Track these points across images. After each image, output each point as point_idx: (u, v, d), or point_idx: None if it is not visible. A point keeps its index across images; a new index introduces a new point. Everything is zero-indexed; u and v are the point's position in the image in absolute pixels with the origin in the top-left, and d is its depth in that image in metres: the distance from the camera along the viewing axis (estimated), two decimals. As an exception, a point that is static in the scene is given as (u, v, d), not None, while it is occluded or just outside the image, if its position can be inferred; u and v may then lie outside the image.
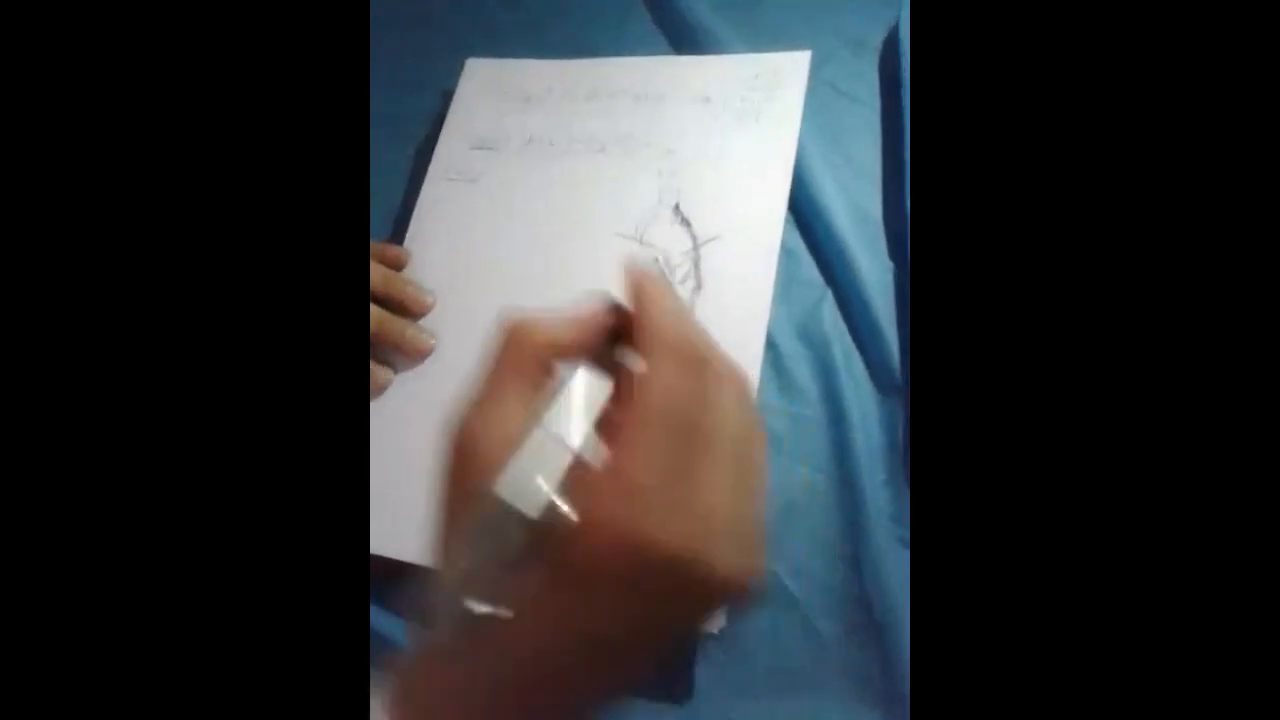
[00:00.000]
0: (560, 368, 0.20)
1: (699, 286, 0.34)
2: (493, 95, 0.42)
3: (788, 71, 0.38)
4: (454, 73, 0.43)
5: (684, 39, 0.43)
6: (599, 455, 0.18)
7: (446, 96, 0.43)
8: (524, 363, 0.20)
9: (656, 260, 0.35)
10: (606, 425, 0.19)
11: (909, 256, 0.34)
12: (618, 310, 0.21)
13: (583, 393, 0.19)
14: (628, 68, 0.41)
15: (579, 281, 0.36)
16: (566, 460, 0.18)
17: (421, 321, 0.37)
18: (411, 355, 0.36)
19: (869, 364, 0.34)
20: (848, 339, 0.34)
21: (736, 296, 0.34)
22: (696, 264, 0.35)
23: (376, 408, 0.36)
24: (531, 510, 0.17)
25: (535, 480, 0.17)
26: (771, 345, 0.34)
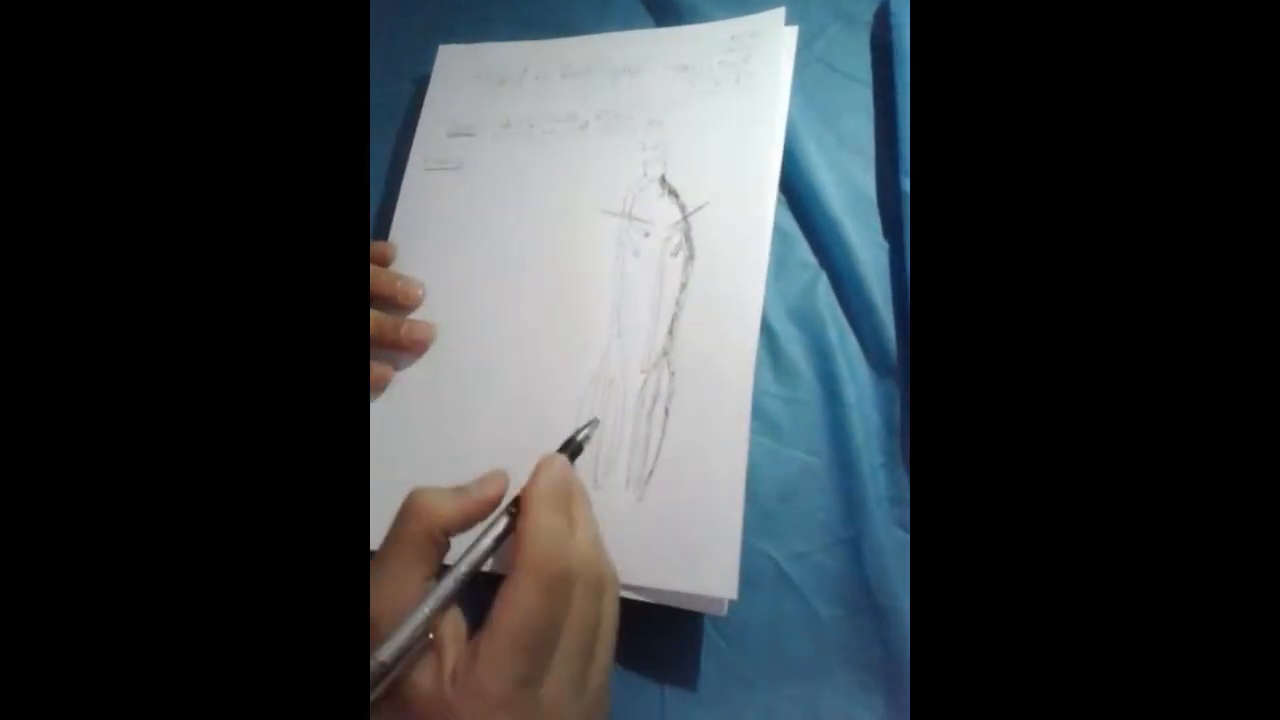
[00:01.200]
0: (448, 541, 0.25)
1: (691, 257, 0.34)
2: (468, 80, 0.41)
3: (764, 32, 0.38)
4: (429, 59, 0.43)
5: (669, 15, 0.42)
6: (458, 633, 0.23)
7: (422, 83, 0.42)
8: (418, 535, 0.24)
9: (647, 235, 0.35)
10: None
11: (906, 236, 0.34)
12: (505, 491, 0.26)
13: (452, 585, 0.24)
14: (602, 43, 0.40)
15: (568, 262, 0.36)
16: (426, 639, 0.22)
17: (416, 313, 0.37)
18: (413, 350, 0.36)
19: (864, 345, 0.34)
20: (842, 320, 0.34)
21: (730, 263, 0.33)
22: (687, 234, 0.34)
23: (376, 406, 0.36)
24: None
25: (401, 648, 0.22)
26: (766, 328, 0.34)
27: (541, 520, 0.24)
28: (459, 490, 0.25)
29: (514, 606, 0.22)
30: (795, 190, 0.36)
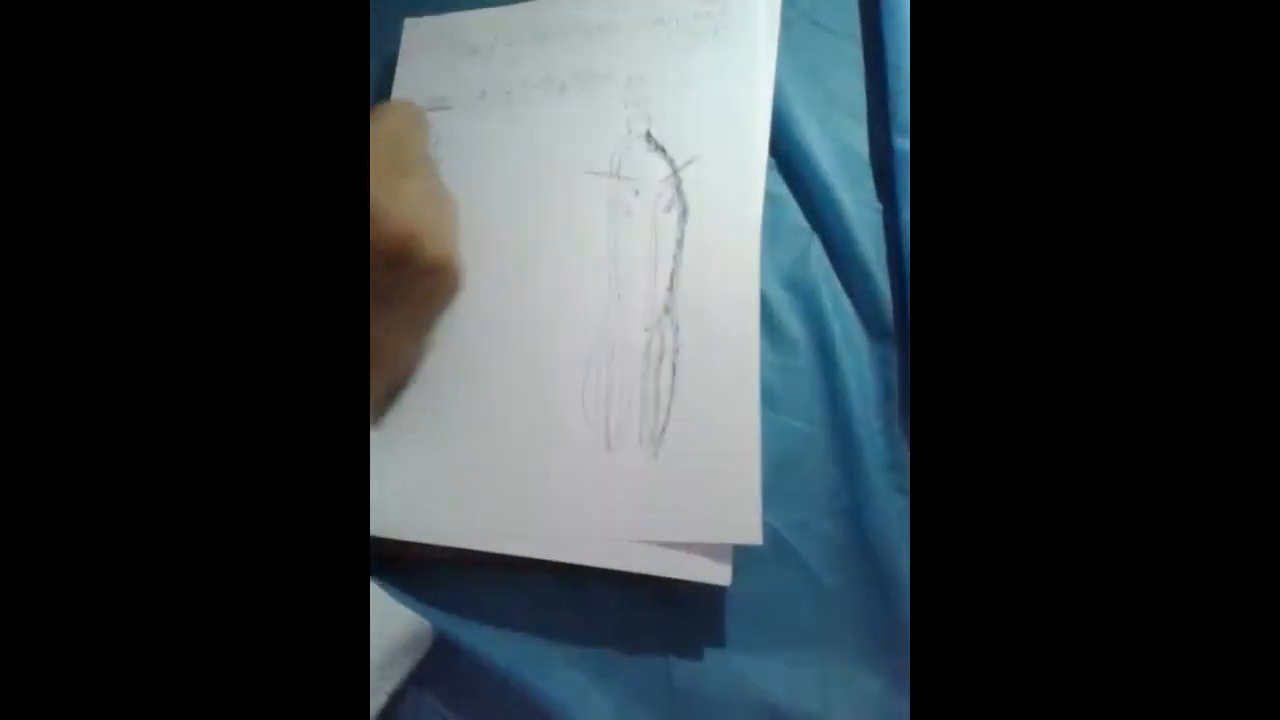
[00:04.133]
0: None
1: (685, 211, 0.34)
2: (438, 52, 0.41)
3: None
4: (395, 37, 0.42)
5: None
6: None
7: (390, 63, 0.41)
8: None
9: (637, 193, 0.35)
10: None
11: (900, 196, 0.34)
12: None
13: None
14: (574, 2, 0.40)
15: (559, 227, 0.35)
16: None
17: None
18: None
19: (859, 310, 0.34)
20: (836, 285, 0.35)
21: (725, 215, 0.34)
22: (679, 188, 0.34)
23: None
24: None
25: None
26: (760, 296, 0.34)
27: None
28: None
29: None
30: (785, 152, 0.36)
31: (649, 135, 0.36)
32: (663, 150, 0.36)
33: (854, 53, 0.38)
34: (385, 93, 0.41)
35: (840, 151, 0.36)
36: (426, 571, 0.33)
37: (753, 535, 0.29)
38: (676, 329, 0.32)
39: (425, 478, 0.33)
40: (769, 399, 0.33)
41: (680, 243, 0.34)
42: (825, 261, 0.35)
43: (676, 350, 0.32)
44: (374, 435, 0.34)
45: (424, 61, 0.41)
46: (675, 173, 0.35)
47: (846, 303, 0.34)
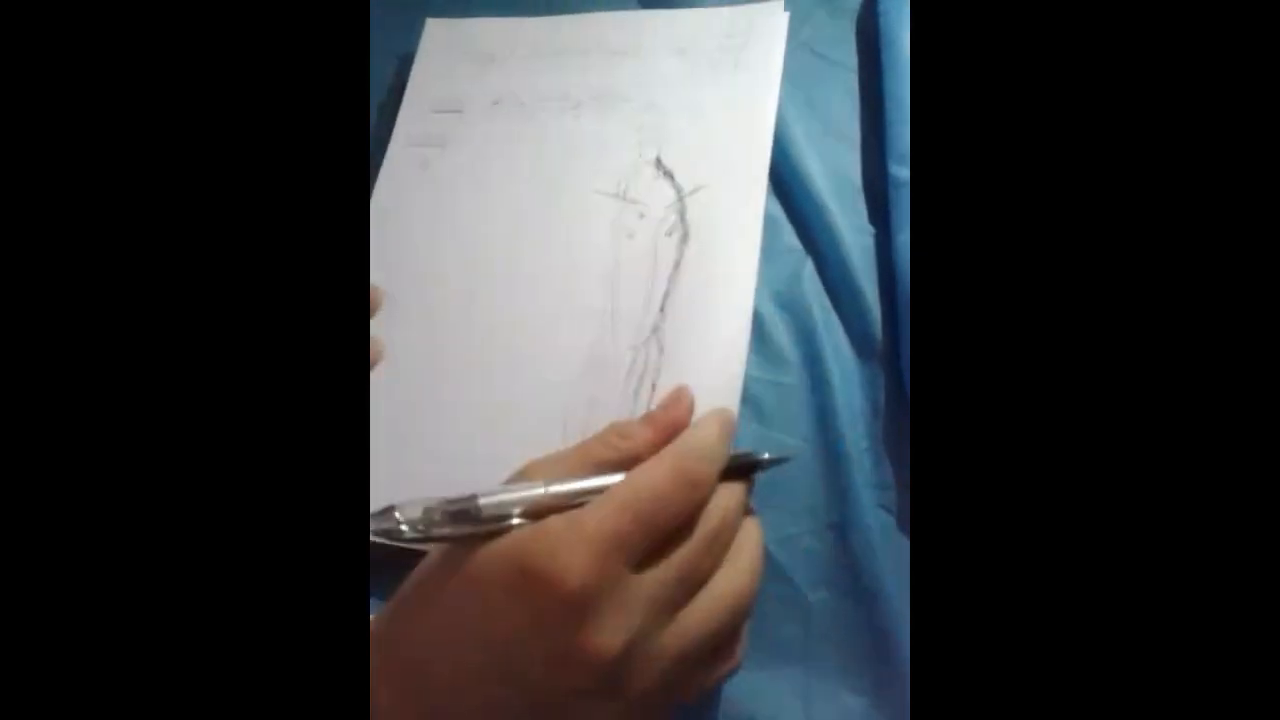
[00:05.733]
0: None
1: (686, 237, 0.35)
2: (455, 56, 0.42)
3: (762, 22, 0.39)
4: (413, 37, 0.43)
5: (657, -1, 0.43)
6: None
7: (406, 62, 0.42)
8: None
9: (641, 216, 0.36)
10: None
11: (891, 221, 0.35)
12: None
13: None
14: (597, 23, 0.41)
15: (560, 242, 0.36)
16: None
17: (389, 307, 0.37)
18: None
19: (848, 329, 0.35)
20: (827, 305, 0.35)
21: (725, 244, 0.34)
22: (682, 215, 0.35)
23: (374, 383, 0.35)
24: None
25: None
26: (753, 313, 0.35)
27: (710, 429, 0.24)
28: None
29: (641, 471, 0.22)
30: (781, 176, 0.37)
31: (659, 161, 0.37)
32: (671, 177, 0.37)
33: (850, 82, 0.39)
34: (399, 89, 0.42)
35: (835, 176, 0.37)
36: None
37: None
38: (661, 349, 0.33)
39: (401, 487, 0.33)
40: (758, 414, 0.33)
41: (677, 266, 0.34)
42: (817, 282, 0.36)
43: (659, 370, 0.33)
44: None
45: (440, 63, 0.42)
46: (681, 199, 0.36)
47: (837, 322, 0.35)
